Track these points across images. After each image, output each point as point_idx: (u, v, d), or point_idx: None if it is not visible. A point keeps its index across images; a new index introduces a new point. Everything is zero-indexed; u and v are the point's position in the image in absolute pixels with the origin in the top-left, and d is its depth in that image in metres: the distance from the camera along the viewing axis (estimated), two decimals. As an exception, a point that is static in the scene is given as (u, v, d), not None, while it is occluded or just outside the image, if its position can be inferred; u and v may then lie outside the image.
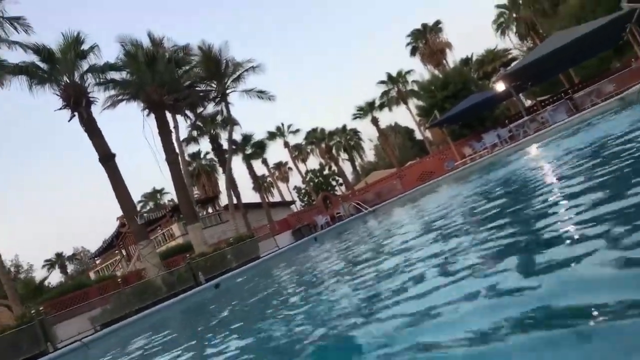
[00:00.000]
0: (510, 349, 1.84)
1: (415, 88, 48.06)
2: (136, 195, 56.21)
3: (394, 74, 51.14)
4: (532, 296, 2.25)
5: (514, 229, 4.05)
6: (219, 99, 29.14)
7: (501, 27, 50.06)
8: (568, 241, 2.90)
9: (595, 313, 1.80)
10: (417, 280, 3.65)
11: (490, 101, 28.35)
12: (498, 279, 2.74)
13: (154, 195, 60.69)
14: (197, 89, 28.12)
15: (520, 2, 47.48)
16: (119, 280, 19.75)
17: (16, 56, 19.67)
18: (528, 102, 39.47)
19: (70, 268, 68.58)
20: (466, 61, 52.92)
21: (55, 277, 65.36)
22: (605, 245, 2.47)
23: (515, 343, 1.87)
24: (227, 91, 28.91)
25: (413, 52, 54.32)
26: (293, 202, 57.79)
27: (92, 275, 39.20)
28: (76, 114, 20.15)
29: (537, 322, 1.98)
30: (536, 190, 5.77)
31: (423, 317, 2.63)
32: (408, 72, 51.38)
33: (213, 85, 28.72)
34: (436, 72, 48.14)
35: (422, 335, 2.35)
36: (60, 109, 20.29)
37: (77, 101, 19.99)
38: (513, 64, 40.66)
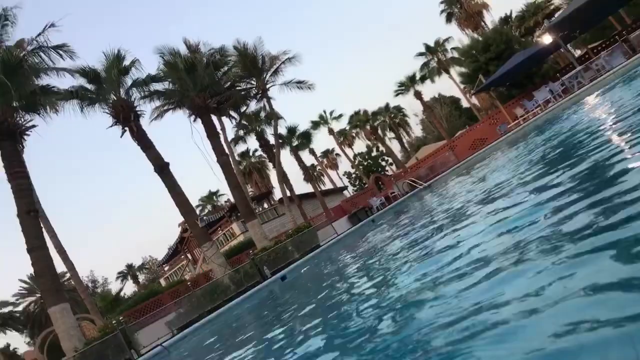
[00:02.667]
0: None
1: (456, 55, 46.63)
2: (193, 200, 57.85)
3: (432, 44, 49.74)
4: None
5: (582, 185, 3.77)
6: (260, 95, 29.32)
7: (538, -23, 47.55)
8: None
9: None
10: (481, 253, 3.47)
11: (536, 57, 27.04)
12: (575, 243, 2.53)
13: (210, 197, 62.24)
14: (237, 88, 28.39)
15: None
16: (188, 283, 20.40)
17: (64, 82, 20.45)
18: (578, 52, 37.50)
19: (141, 277, 71.68)
20: (505, 20, 50.72)
21: (129, 288, 68.61)
22: None
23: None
24: (267, 86, 29.04)
25: (449, 19, 52.59)
26: (345, 187, 57.75)
27: (162, 282, 40.80)
28: (127, 129, 20.84)
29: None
30: (603, 139, 5.38)
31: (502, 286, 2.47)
32: (446, 39, 49.82)
33: (253, 82, 28.91)
34: (475, 35, 46.39)
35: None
36: (112, 126, 21.03)
37: (126, 117, 20.66)
38: (557, 14, 38.62)
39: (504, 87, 31.15)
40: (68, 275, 19.17)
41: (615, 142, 4.82)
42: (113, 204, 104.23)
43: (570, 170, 4.82)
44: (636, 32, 21.25)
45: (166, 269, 43.78)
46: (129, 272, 69.81)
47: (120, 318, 15.60)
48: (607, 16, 35.11)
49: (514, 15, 50.72)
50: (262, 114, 34.06)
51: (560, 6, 45.33)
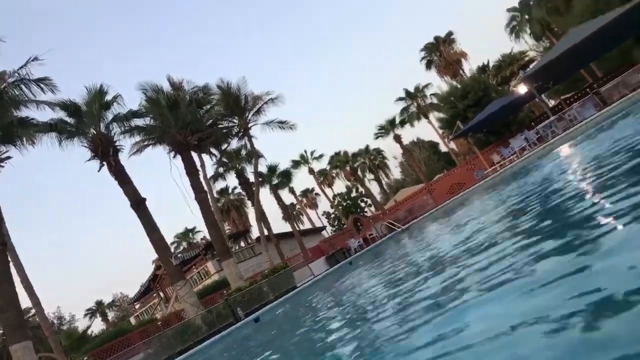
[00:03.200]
0: None
1: (435, 101, 47.75)
2: (169, 237, 56.98)
3: (412, 90, 50.95)
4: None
5: (552, 236, 3.81)
6: (241, 133, 29.46)
7: (515, 30, 49.57)
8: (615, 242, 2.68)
9: None
10: (454, 298, 3.45)
11: (512, 105, 27.90)
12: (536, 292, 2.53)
13: (186, 234, 61.35)
14: (219, 126, 28.50)
15: (532, 2, 47.05)
16: (159, 323, 19.79)
17: (44, 115, 20.28)
18: (552, 102, 38.78)
19: (110, 315, 69.43)
20: (483, 68, 52.47)
21: (97, 325, 66.27)
22: None
23: None
24: (249, 125, 29.23)
25: (428, 66, 54.23)
26: (324, 228, 57.60)
27: (132, 320, 39.58)
28: (105, 163, 20.61)
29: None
30: (574, 191, 5.50)
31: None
32: (425, 86, 51.14)
33: (235, 120, 29.09)
34: (454, 83, 47.76)
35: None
36: (89, 160, 20.81)
37: (104, 151, 20.47)
38: (532, 65, 40.11)
39: (481, 133, 31.91)
40: (33, 311, 18.42)
41: (582, 193, 4.92)
42: (86, 238, 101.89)
43: (539, 219, 4.89)
44: (606, 85, 22.13)
45: (137, 306, 42.53)
46: (98, 309, 67.59)
47: (85, 358, 14.96)
48: (580, 69, 36.60)
49: (491, 65, 52.51)
50: (243, 152, 34.11)
51: (535, 58, 47.20)
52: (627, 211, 3.19)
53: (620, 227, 2.98)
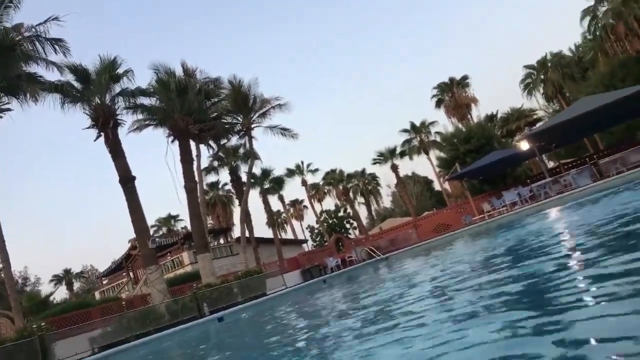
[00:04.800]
0: None
1: (438, 139, 48.15)
2: (151, 219, 56.62)
3: (418, 124, 51.35)
4: None
5: (522, 296, 3.88)
6: (243, 132, 29.52)
7: (528, 87, 50.33)
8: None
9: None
10: (414, 339, 3.50)
11: (512, 159, 28.20)
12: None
13: (168, 220, 60.97)
14: (223, 120, 28.56)
15: (549, 64, 47.84)
16: (123, 303, 19.58)
17: (51, 76, 20.17)
18: (551, 164, 39.24)
19: (76, 285, 68.56)
20: (491, 118, 53.08)
21: (60, 293, 65.30)
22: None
23: None
24: (252, 126, 29.29)
25: (438, 104, 54.73)
26: (305, 241, 57.49)
27: (97, 295, 39.10)
28: (102, 134, 20.56)
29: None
30: (553, 255, 5.59)
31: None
32: (432, 123, 51.58)
33: (239, 118, 29.16)
34: (460, 125, 48.28)
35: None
36: (88, 127, 20.73)
37: (105, 122, 20.41)
38: (538, 124, 40.72)
39: (476, 180, 32.16)
40: (0, 265, 18.15)
41: (561, 257, 5.01)
42: (67, 205, 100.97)
43: (516, 275, 4.96)
44: (605, 159, 22.45)
45: (105, 282, 41.97)
46: (65, 277, 66.71)
47: (42, 323, 14.75)
48: (583, 138, 37.17)
49: (499, 116, 53.19)
50: (241, 151, 34.17)
51: (542, 118, 47.83)
52: (589, 283, 3.27)
53: (581, 298, 3.05)
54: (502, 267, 6.38)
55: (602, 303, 2.81)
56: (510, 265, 6.31)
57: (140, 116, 24.40)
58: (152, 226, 57.63)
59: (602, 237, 5.75)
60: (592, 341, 2.19)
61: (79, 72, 20.55)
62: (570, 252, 5.67)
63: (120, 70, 21.46)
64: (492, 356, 2.58)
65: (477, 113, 53.52)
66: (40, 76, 19.71)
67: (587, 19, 37.67)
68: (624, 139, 31.00)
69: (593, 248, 5.17)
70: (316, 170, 52.76)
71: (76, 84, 20.84)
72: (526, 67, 50.12)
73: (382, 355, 3.40)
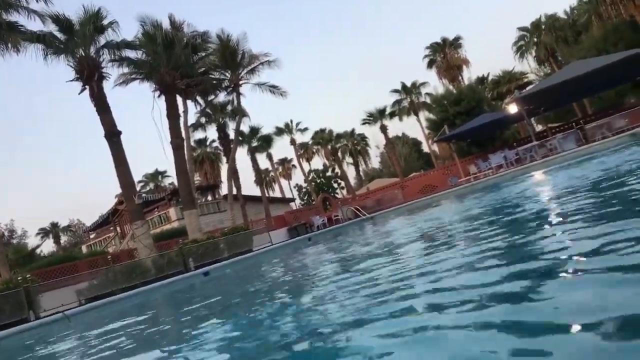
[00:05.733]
0: None
1: (428, 101, 47.97)
2: (137, 175, 56.35)
3: (408, 84, 51.00)
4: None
5: (502, 254, 3.97)
6: (231, 88, 29.12)
7: (521, 49, 49.88)
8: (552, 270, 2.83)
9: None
10: (399, 292, 3.59)
11: (501, 122, 28.25)
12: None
13: (156, 176, 60.76)
14: (210, 76, 28.11)
15: (543, 27, 47.31)
16: (109, 257, 19.72)
17: (33, 26, 19.56)
18: (539, 127, 39.39)
19: (63, 239, 68.71)
20: (482, 80, 52.76)
21: (47, 246, 65.48)
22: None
23: None
24: (240, 82, 28.89)
25: (430, 65, 54.18)
26: (293, 199, 57.78)
27: (84, 248, 39.30)
28: (87, 87, 20.18)
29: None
30: (533, 215, 5.69)
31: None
32: (422, 84, 51.24)
33: (227, 74, 28.70)
34: (451, 87, 47.99)
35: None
36: (72, 80, 20.34)
37: (90, 75, 20.01)
38: (528, 87, 40.52)
39: (465, 142, 32.27)
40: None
41: (533, 218, 5.11)
42: (56, 158, 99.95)
43: (496, 233, 5.06)
44: (592, 123, 22.59)
45: (92, 236, 42.12)
46: (52, 231, 66.76)
47: (28, 276, 14.87)
48: (573, 102, 37.20)
49: (490, 78, 52.84)
50: (229, 108, 33.81)
51: (533, 81, 47.62)
52: (569, 247, 3.35)
53: (558, 258, 3.12)
54: (476, 227, 6.50)
55: (569, 265, 2.88)
56: (484, 224, 6.44)
57: (126, 70, 23.96)
58: (140, 182, 57.49)
59: (572, 201, 5.86)
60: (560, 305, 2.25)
61: (62, 22, 19.96)
62: (541, 213, 5.78)
63: (105, 22, 20.90)
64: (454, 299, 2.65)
65: (469, 75, 53.18)
66: (22, 25, 19.14)
67: (584, -20, 37.08)
68: (613, 105, 31.15)
69: (563, 210, 5.28)
70: (305, 129, 52.46)
71: (59, 35, 20.29)
72: (520, 29, 49.55)
73: (358, 303, 3.49)
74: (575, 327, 1.89)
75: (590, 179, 7.56)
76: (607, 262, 2.57)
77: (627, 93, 33.88)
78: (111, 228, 38.30)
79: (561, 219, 4.75)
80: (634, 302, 1.90)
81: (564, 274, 2.71)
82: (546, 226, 4.69)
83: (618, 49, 28.55)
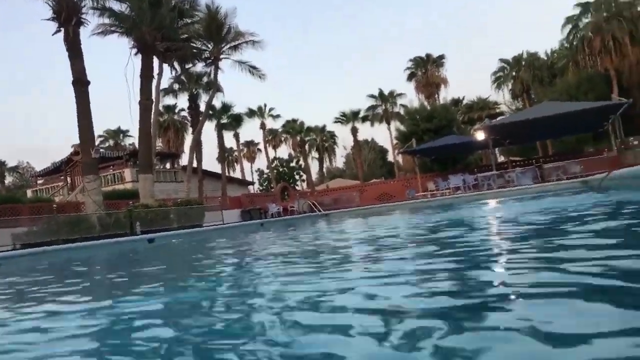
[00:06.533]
0: None
1: (402, 112, 48.64)
2: (99, 129, 54.57)
3: (386, 92, 51.62)
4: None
5: (444, 268, 4.15)
6: (210, 61, 28.76)
7: (499, 80, 51.18)
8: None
9: None
10: (334, 285, 3.71)
11: (467, 146, 29.01)
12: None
13: (117, 134, 59.22)
14: (192, 44, 27.66)
15: (523, 63, 48.70)
16: (54, 206, 19.18)
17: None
18: (501, 158, 40.62)
19: (8, 179, 66.18)
20: (456, 102, 53.95)
21: (-10, 185, 62.92)
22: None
23: None
24: (221, 56, 28.55)
25: (410, 78, 54.95)
26: (252, 183, 57.56)
27: (29, 193, 37.93)
28: (62, 30, 19.50)
29: None
30: (477, 240, 5.94)
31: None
32: (399, 94, 51.99)
33: (209, 46, 28.32)
34: (425, 103, 48.85)
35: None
36: (48, 19, 19.63)
37: (67, 18, 19.35)
38: (499, 118, 41.73)
39: (429, 158, 32.96)
40: None
41: (475, 243, 5.35)
42: (17, 95, 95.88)
43: (430, 250, 5.27)
44: (550, 164, 23.50)
45: (39, 182, 40.67)
46: (-2, 169, 64.24)
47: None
48: (536, 140, 38.54)
49: (464, 102, 54.08)
50: (204, 79, 33.39)
51: (504, 113, 49.02)
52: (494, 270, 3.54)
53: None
54: (422, 240, 6.72)
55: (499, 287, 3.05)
56: (428, 240, 6.67)
57: (107, 20, 23.25)
58: (100, 136, 55.76)
59: (520, 232, 6.15)
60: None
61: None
62: (484, 240, 6.04)
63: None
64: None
65: (445, 94, 54.27)
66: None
67: (569, 27, 38.35)
68: (572, 150, 32.45)
69: (508, 239, 5.54)
70: (278, 116, 52.36)
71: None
72: (501, 60, 50.83)
73: (296, 288, 3.59)
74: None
75: (539, 217, 7.92)
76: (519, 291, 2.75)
77: (588, 141, 35.37)
78: (62, 177, 37.11)
79: (498, 250, 4.99)
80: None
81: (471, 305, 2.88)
82: (483, 255, 4.91)
83: (588, 98, 29.78)
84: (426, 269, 4.04)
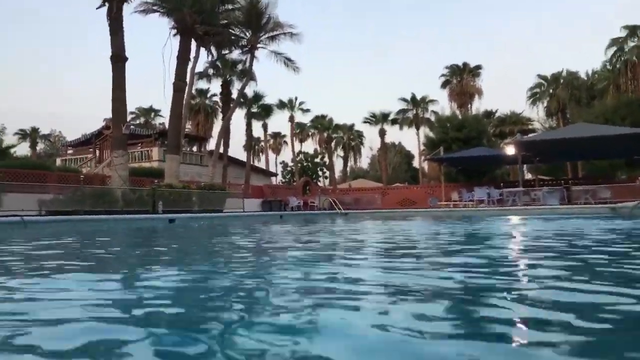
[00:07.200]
0: None
1: (432, 118, 48.22)
2: (131, 106, 55.47)
3: (418, 97, 51.21)
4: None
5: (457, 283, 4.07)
6: (247, 49, 28.89)
7: (535, 96, 50.26)
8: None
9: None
10: (345, 283, 3.67)
11: (495, 159, 28.60)
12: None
13: (149, 112, 60.05)
14: (230, 30, 27.84)
15: (562, 81, 47.71)
16: (82, 177, 19.57)
17: None
18: (528, 175, 39.90)
19: (40, 146, 67.74)
20: (489, 114, 53.15)
21: (22, 149, 64.39)
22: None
23: None
24: (258, 45, 28.67)
25: (444, 85, 54.36)
26: (275, 174, 57.81)
27: (58, 161, 38.78)
28: (107, 4, 19.85)
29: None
30: (496, 257, 5.82)
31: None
32: (432, 100, 51.55)
33: (247, 34, 28.45)
34: (457, 112, 48.28)
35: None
36: (95, -7, 19.98)
37: (112, -8, 19.69)
38: (531, 134, 40.98)
39: (455, 168, 32.58)
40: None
41: (495, 258, 5.23)
42: (56, 64, 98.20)
43: (443, 262, 5.18)
44: (579, 187, 22.98)
45: (69, 152, 41.55)
46: (31, 135, 65.74)
47: (-3, 171, 14.72)
48: (567, 161, 37.74)
49: (497, 115, 53.25)
50: (239, 67, 33.60)
51: (537, 130, 48.12)
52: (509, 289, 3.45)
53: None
54: (439, 251, 6.62)
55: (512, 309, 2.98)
56: (444, 251, 6.57)
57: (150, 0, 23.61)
58: (131, 113, 56.56)
59: (540, 253, 6.00)
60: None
61: None
62: (504, 257, 5.92)
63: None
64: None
65: (478, 105, 53.53)
66: None
67: (613, 49, 37.43)
68: (603, 175, 31.68)
69: (526, 260, 5.41)
70: (307, 110, 52.57)
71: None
72: (539, 76, 49.88)
73: (312, 281, 3.56)
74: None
75: (563, 240, 7.73)
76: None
77: (621, 168, 34.48)
78: (91, 150, 37.89)
79: (518, 267, 4.87)
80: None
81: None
82: (505, 269, 4.81)
83: (625, 123, 29.00)
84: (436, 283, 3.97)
